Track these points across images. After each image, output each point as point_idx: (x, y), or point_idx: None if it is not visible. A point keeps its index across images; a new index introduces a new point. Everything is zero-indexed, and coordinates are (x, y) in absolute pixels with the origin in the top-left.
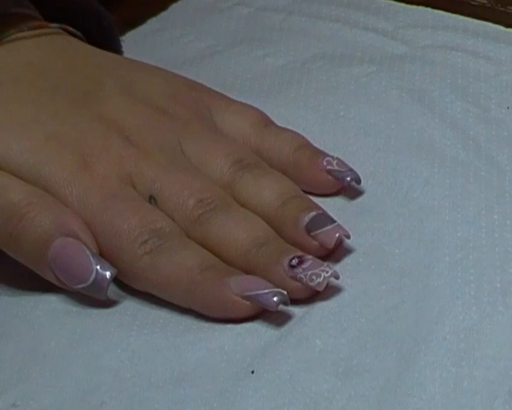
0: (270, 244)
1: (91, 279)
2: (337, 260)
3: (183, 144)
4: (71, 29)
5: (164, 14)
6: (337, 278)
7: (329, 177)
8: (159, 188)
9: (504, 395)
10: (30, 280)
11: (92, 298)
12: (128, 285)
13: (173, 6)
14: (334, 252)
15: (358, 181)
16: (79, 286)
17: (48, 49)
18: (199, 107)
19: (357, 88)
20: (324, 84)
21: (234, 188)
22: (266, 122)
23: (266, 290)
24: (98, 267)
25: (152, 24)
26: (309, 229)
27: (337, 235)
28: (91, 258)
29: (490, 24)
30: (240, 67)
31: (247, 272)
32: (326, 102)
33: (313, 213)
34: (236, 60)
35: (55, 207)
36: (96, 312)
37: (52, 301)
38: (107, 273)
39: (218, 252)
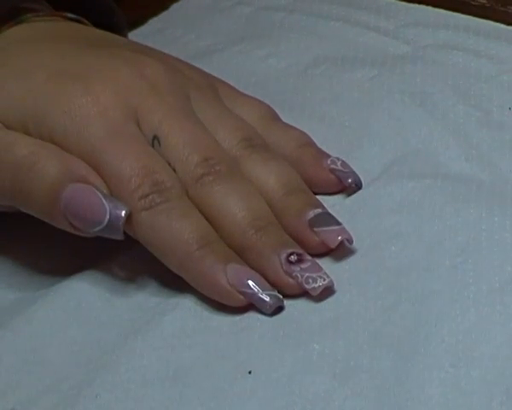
0: (269, 231)
1: (106, 220)
2: (334, 260)
3: (193, 104)
4: (85, 21)
5: (165, 13)
6: (332, 287)
7: (332, 176)
8: (165, 132)
9: (502, 395)
10: (29, 279)
11: (92, 297)
12: (125, 288)
13: (174, 6)
14: (332, 250)
15: (359, 184)
16: (96, 229)
17: (63, 26)
18: (211, 85)
19: (361, 95)
20: (328, 94)
21: (239, 165)
22: (274, 117)
23: (263, 292)
24: (111, 207)
25: (153, 24)
26: (312, 224)
27: (340, 238)
28: (103, 199)
29: (491, 22)
30: (242, 68)
31: (241, 251)
32: (331, 113)
33: (319, 211)
34: (238, 60)
35: (60, 155)
36: (94, 313)
37: (50, 302)
38: (122, 212)
39: (214, 220)
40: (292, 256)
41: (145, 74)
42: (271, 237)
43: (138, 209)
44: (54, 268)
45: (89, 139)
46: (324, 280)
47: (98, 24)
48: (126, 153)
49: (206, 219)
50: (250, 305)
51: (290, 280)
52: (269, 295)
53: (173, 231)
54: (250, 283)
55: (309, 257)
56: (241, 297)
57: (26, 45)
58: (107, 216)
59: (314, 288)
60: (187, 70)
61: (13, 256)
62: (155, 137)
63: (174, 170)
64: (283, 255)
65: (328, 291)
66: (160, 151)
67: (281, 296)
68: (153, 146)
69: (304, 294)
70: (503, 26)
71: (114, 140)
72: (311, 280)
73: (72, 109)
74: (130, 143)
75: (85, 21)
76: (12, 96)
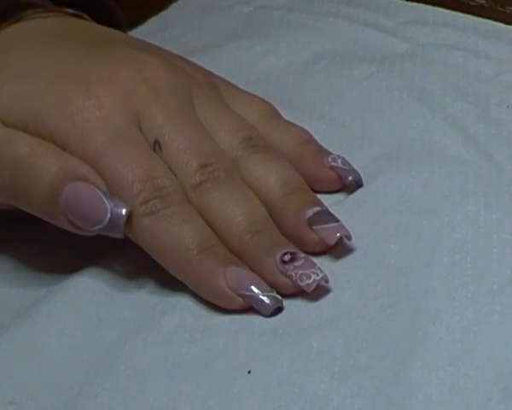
0: (265, 234)
1: (107, 219)
2: (334, 259)
3: (195, 103)
4: (85, 16)
5: (164, 13)
6: (327, 281)
7: (332, 173)
8: (166, 137)
9: (500, 394)
10: (30, 277)
11: (92, 291)
12: (125, 286)
13: (173, 5)
14: (331, 249)
15: (360, 182)
16: (96, 228)
17: (63, 22)
18: (213, 83)
19: (360, 93)
20: (327, 91)
21: (240, 165)
22: (275, 115)
23: (261, 293)
24: (112, 206)
25: (152, 24)
26: (311, 222)
27: (338, 234)
28: (104, 198)
29: (490, 21)
30: (241, 65)
31: (240, 256)
32: (330, 111)
33: (318, 209)
34: (237, 57)
35: (60, 154)
36: (93, 309)
37: (50, 298)
38: (123, 211)
39: (213, 227)
40: (286, 256)
41: (146, 76)
42: (267, 241)
43: (140, 215)
44: (54, 266)
45: (91, 143)
46: (318, 275)
47: (97, 21)
48: (128, 158)
49: (206, 224)
50: (249, 307)
51: (286, 280)
52: (268, 296)
53: (174, 236)
54: (249, 283)
55: (302, 254)
56: (241, 300)
57: (26, 46)
58: (108, 215)
59: (308, 284)
60: (188, 68)
61: (14, 254)
62: (156, 142)
63: (175, 175)
64: (278, 256)
65: (325, 289)
66: (161, 155)
67: (279, 297)
68: (154, 150)
69: (301, 292)
70: (501, 25)
71: (117, 145)
72: (304, 277)
73: (75, 113)
74: (133, 148)
75: (85, 16)
76: (13, 97)
